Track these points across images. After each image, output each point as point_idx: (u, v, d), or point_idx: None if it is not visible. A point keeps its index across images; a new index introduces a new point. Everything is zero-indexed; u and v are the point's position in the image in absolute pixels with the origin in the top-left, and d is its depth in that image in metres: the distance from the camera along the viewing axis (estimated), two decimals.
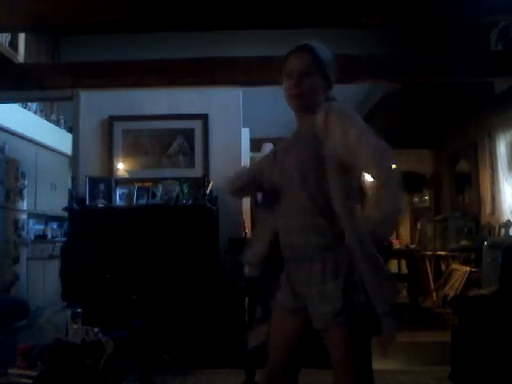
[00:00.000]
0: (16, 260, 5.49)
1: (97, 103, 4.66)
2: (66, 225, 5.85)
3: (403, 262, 7.02)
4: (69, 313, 2.55)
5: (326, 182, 1.61)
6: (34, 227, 6.58)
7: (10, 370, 2.17)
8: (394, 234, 8.43)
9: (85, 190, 4.30)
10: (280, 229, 1.74)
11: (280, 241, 1.76)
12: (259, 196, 1.93)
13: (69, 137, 5.37)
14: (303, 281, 1.68)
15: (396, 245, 6.76)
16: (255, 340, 1.83)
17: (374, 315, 1.57)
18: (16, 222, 5.58)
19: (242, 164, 4.67)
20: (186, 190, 4.22)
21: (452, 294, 5.46)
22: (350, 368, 1.62)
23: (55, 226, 7.15)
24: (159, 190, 4.23)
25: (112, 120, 4.60)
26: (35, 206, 6.43)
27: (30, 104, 6.22)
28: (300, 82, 1.69)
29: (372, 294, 1.56)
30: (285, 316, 1.75)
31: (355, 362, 1.62)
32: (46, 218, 6.99)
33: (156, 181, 4.34)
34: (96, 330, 2.40)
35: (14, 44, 4.66)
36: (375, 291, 1.56)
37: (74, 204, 4.19)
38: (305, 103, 1.72)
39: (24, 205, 5.83)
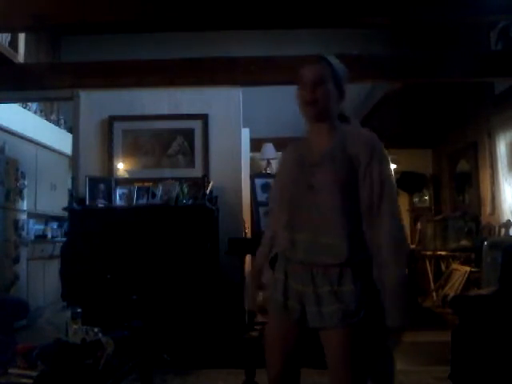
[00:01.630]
0: (16, 260, 5.49)
1: (97, 103, 4.66)
2: (65, 225, 5.85)
3: None
4: (69, 313, 2.55)
5: (354, 199, 1.68)
6: (33, 227, 6.58)
7: (10, 370, 2.17)
8: None
9: (85, 190, 4.30)
10: (292, 233, 1.74)
11: (284, 240, 1.77)
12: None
13: (69, 137, 5.37)
14: (307, 279, 1.69)
15: None
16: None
17: (383, 326, 1.64)
18: (16, 222, 5.58)
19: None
20: (185, 190, 4.22)
21: (452, 293, 5.45)
22: (348, 370, 1.64)
23: (55, 226, 7.16)
24: (159, 190, 4.23)
25: (112, 120, 4.60)
26: (35, 206, 6.43)
27: (30, 104, 6.22)
28: (314, 89, 1.73)
29: (386, 306, 1.63)
30: (279, 318, 1.76)
31: (355, 364, 1.64)
32: (46, 218, 6.99)
33: (156, 181, 4.34)
34: (96, 330, 2.40)
35: (14, 44, 4.66)
36: (390, 305, 1.64)
37: (74, 204, 4.19)
38: (319, 110, 1.76)
39: (24, 205, 5.83)
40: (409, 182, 8.28)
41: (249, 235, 4.98)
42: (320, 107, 1.75)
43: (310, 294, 1.67)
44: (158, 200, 4.21)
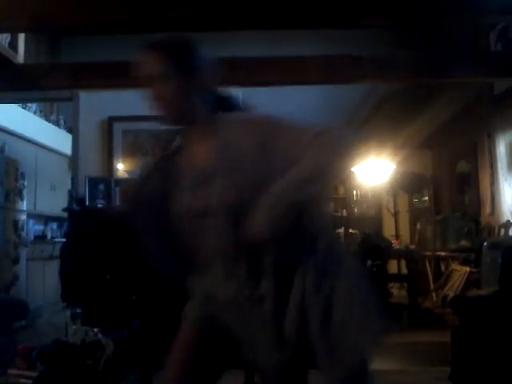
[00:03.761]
0: (16, 260, 5.48)
1: (96, 104, 4.66)
2: (65, 225, 5.85)
3: (403, 263, 7.02)
4: (68, 313, 2.55)
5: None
6: (33, 227, 6.58)
7: (10, 371, 2.16)
8: (394, 234, 8.44)
9: (84, 190, 4.30)
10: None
11: None
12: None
13: (68, 137, 5.37)
14: None
15: (395, 245, 6.76)
16: None
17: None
18: (15, 222, 5.58)
19: None
20: None
21: (452, 294, 5.45)
22: None
23: (55, 226, 7.15)
24: None
25: (112, 120, 4.60)
26: (35, 207, 6.42)
27: (29, 104, 6.22)
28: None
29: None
30: None
31: None
32: (46, 219, 6.98)
33: None
34: (96, 330, 2.40)
35: (13, 44, 4.66)
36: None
37: (74, 204, 4.19)
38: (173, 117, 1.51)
39: (23, 205, 5.83)
40: (408, 182, 8.28)
41: None
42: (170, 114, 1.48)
43: None
44: None
